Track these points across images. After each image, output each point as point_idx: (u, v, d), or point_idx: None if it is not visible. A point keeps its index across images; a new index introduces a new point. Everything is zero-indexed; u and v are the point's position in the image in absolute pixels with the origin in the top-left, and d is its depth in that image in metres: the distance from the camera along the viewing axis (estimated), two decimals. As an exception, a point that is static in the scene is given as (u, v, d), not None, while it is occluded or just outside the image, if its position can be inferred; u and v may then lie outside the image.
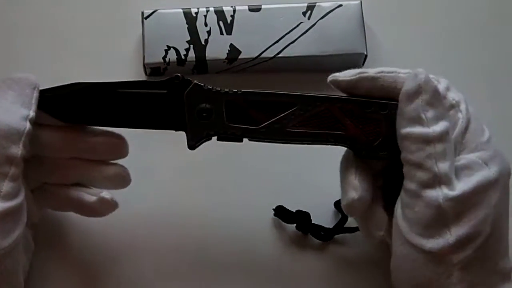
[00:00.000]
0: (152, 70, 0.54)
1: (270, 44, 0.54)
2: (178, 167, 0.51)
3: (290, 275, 0.48)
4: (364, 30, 0.54)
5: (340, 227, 0.49)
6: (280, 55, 0.53)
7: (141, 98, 0.42)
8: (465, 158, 0.40)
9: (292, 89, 0.43)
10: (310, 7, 0.54)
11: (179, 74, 0.42)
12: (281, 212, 0.49)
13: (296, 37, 0.54)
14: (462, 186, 0.38)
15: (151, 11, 0.54)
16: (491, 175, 0.39)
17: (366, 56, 0.54)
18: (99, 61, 0.55)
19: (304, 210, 0.49)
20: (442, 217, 0.38)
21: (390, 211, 0.42)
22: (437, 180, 0.38)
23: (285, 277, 0.48)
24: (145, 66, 0.53)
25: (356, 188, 0.41)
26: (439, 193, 0.38)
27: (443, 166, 0.38)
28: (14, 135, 0.40)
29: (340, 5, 0.54)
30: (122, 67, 0.55)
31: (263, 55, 0.53)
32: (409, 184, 0.39)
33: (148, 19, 0.54)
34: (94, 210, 0.44)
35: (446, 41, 0.58)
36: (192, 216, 0.50)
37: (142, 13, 0.54)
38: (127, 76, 0.54)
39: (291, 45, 0.54)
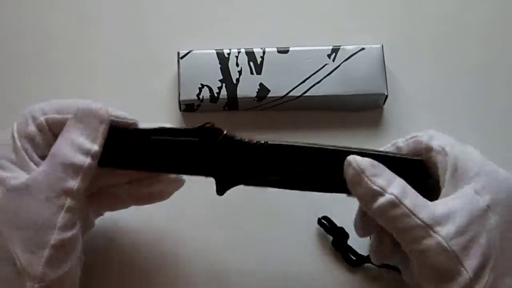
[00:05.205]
0: (186, 106, 0.55)
1: (297, 83, 0.54)
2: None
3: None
4: (385, 72, 0.55)
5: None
6: (306, 94, 0.54)
7: (173, 145, 0.43)
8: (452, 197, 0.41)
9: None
10: (335, 50, 0.55)
11: (208, 123, 0.43)
12: (325, 222, 0.51)
13: (322, 77, 0.55)
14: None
15: (186, 51, 0.55)
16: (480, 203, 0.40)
17: (386, 96, 0.55)
18: (138, 97, 0.56)
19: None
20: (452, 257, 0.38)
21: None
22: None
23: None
24: (180, 102, 0.54)
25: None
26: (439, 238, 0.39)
27: (423, 215, 0.39)
28: (70, 169, 0.40)
29: (363, 48, 0.55)
30: (159, 103, 0.56)
31: (290, 94, 0.54)
32: (407, 247, 0.40)
33: (183, 59, 0.55)
34: (163, 193, 0.46)
35: (462, 80, 0.58)
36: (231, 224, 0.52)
37: (178, 53, 0.55)
38: (163, 111, 0.56)
39: (317, 85, 0.54)
